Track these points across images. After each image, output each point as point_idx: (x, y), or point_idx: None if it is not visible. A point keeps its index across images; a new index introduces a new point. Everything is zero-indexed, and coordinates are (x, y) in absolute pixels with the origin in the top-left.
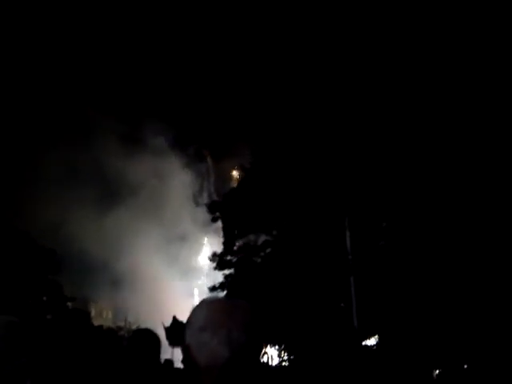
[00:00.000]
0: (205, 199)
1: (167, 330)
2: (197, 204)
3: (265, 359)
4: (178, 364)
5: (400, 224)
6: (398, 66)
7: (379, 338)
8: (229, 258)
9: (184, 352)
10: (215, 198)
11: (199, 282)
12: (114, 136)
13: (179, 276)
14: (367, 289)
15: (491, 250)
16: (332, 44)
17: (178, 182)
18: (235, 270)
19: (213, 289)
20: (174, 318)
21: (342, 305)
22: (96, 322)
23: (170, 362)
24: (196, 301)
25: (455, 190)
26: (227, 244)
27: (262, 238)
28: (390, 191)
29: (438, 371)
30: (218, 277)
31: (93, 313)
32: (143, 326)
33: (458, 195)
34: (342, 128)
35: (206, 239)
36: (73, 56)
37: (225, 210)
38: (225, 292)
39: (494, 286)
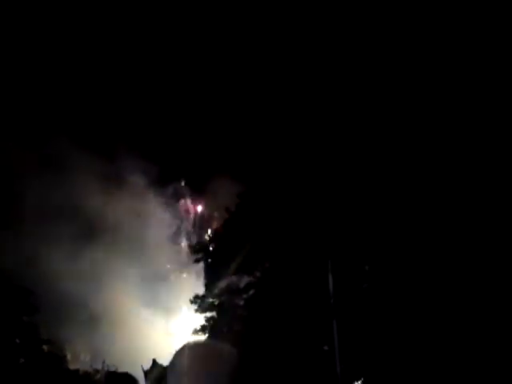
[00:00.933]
0: (183, 239)
1: (146, 373)
2: (175, 244)
3: None
4: None
5: (383, 267)
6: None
7: (363, 383)
8: (211, 300)
9: None
10: (193, 238)
11: (178, 324)
12: (92, 173)
13: (158, 317)
14: (350, 332)
15: (479, 289)
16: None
17: (156, 221)
18: (217, 312)
19: (194, 332)
20: (154, 361)
21: (326, 348)
22: (73, 366)
23: None
24: (175, 342)
25: (438, 234)
26: (209, 286)
27: (245, 280)
28: (373, 234)
29: None
30: (198, 317)
31: (69, 356)
32: (122, 368)
33: (441, 238)
34: (326, 170)
35: (184, 280)
36: (47, 86)
37: (207, 252)
38: (206, 335)
39: (483, 327)
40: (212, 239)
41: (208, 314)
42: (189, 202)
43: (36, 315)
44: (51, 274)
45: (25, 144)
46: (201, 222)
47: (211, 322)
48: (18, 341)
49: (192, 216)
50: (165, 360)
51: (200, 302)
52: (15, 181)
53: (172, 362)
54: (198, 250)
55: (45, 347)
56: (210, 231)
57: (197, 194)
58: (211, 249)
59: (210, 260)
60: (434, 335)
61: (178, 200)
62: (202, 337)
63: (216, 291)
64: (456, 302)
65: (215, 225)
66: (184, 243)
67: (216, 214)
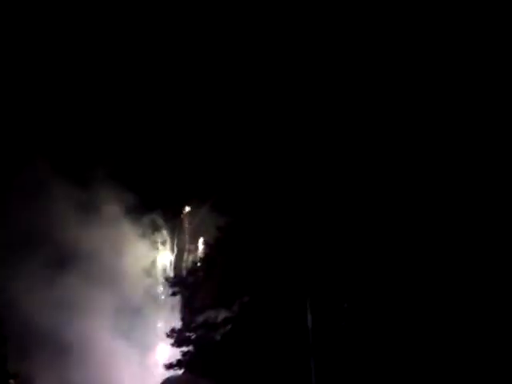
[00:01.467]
0: (159, 271)
1: None
2: (149, 276)
3: None
4: None
5: (362, 305)
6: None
7: None
8: (187, 334)
9: None
10: (169, 270)
11: (153, 357)
12: (66, 201)
13: (132, 350)
14: (328, 370)
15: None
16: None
17: (132, 252)
18: (194, 347)
19: (169, 366)
20: None
21: None
22: None
23: None
24: (150, 376)
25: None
26: (186, 320)
27: (223, 315)
28: (351, 272)
29: None
30: (174, 351)
31: None
32: None
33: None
34: (305, 208)
35: (159, 312)
36: (20, 110)
37: (185, 286)
38: (182, 370)
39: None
40: (190, 272)
41: (184, 349)
42: (165, 234)
43: (4, 346)
44: (19, 303)
45: None
46: (178, 254)
47: (187, 357)
48: None
49: (169, 247)
50: None
51: (176, 336)
52: None
53: None
54: (176, 284)
55: (12, 381)
56: (186, 263)
57: (175, 225)
58: (189, 282)
59: (187, 293)
60: (413, 372)
61: (154, 231)
62: (179, 372)
63: (193, 325)
64: (441, 341)
65: (192, 257)
66: (160, 275)
67: (193, 247)
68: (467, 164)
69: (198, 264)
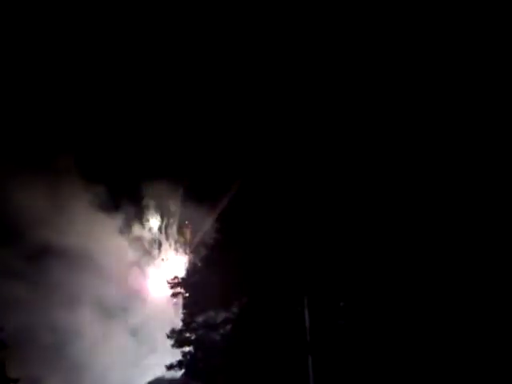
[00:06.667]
0: (148, 269)
1: None
2: (128, 273)
3: None
4: None
5: (358, 304)
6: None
7: None
8: (187, 335)
9: None
10: (158, 268)
11: (152, 357)
12: (40, 197)
13: (130, 349)
14: (326, 368)
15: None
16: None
17: (115, 248)
18: (194, 347)
19: (170, 367)
20: None
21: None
22: None
23: None
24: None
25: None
26: (186, 321)
27: (222, 315)
28: (347, 272)
29: None
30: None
31: None
32: None
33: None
34: (302, 208)
35: (148, 311)
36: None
37: (185, 286)
38: (182, 370)
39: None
40: (190, 274)
41: (185, 349)
42: (141, 228)
43: (3, 351)
44: (16, 307)
45: None
46: (156, 250)
47: (188, 357)
48: None
49: (147, 243)
50: None
51: (177, 337)
52: None
53: None
54: (177, 285)
55: None
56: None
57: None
58: (190, 284)
59: (188, 295)
60: (410, 370)
61: (130, 226)
62: (179, 372)
63: (193, 326)
64: (433, 341)
65: (171, 253)
66: (139, 271)
67: (173, 242)
68: (467, 164)
69: (198, 265)
